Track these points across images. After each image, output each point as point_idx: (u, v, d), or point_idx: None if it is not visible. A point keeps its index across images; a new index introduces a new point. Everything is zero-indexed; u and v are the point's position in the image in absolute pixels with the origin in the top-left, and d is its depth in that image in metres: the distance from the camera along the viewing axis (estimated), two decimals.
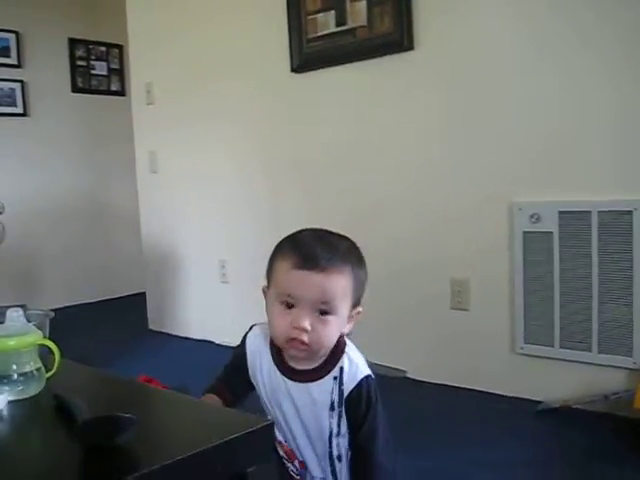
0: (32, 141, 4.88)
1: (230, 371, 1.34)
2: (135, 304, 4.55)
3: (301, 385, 1.21)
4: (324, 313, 1.13)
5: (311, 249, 1.13)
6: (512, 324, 2.60)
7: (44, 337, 1.16)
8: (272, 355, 1.24)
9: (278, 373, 1.23)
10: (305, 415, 1.22)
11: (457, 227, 2.74)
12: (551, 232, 2.45)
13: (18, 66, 4.80)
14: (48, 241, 4.91)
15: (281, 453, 1.30)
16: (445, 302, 2.78)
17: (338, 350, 1.21)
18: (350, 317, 1.20)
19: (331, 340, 1.17)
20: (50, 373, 1.12)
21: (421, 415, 2.46)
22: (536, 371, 2.56)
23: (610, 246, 2.33)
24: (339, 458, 1.23)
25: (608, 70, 2.32)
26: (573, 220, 2.40)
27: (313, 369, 1.21)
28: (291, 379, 1.22)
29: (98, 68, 5.31)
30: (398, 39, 2.78)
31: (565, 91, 2.42)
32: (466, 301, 2.73)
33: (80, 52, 5.20)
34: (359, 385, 1.19)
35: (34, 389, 1.08)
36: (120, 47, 5.31)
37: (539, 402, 2.48)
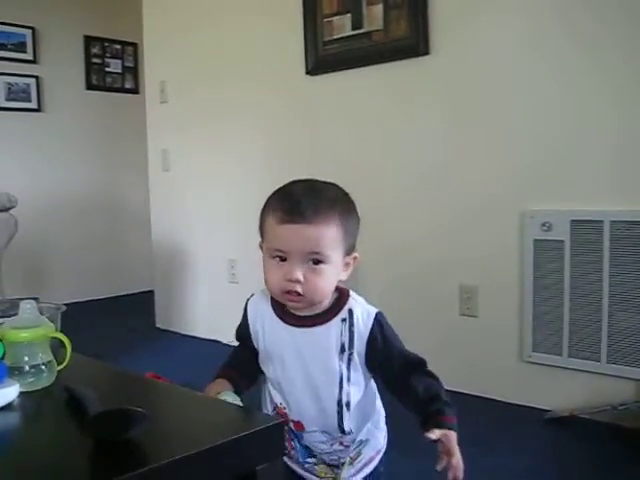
0: (46, 136, 4.91)
1: (236, 353, 1.32)
2: (143, 302, 4.56)
3: (307, 330, 1.18)
4: (317, 262, 1.13)
5: (295, 202, 1.12)
6: (521, 332, 2.59)
7: (56, 330, 1.16)
8: (274, 309, 1.22)
9: (281, 323, 1.20)
10: (312, 364, 1.19)
11: (468, 233, 2.73)
12: (562, 241, 2.44)
13: (33, 62, 4.84)
14: (59, 236, 4.93)
15: None
16: (454, 308, 2.77)
17: (343, 295, 1.20)
18: (346, 264, 1.19)
19: (327, 289, 1.16)
20: (61, 366, 1.12)
21: None
22: (544, 380, 2.55)
23: (621, 256, 2.32)
24: (347, 405, 1.19)
25: (625, 83, 2.32)
26: (585, 229, 2.39)
27: (318, 314, 1.19)
28: (296, 326, 1.19)
29: (112, 66, 5.34)
30: (414, 44, 2.78)
31: (580, 100, 2.42)
32: (475, 307, 2.73)
33: (95, 49, 5.24)
34: (377, 320, 1.18)
35: (45, 381, 1.08)
36: (135, 45, 5.34)
37: (546, 411, 2.47)
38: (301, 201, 1.12)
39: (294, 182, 1.21)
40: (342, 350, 1.17)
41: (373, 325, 1.18)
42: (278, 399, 1.24)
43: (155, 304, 4.25)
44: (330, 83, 3.16)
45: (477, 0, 2.66)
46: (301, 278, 1.12)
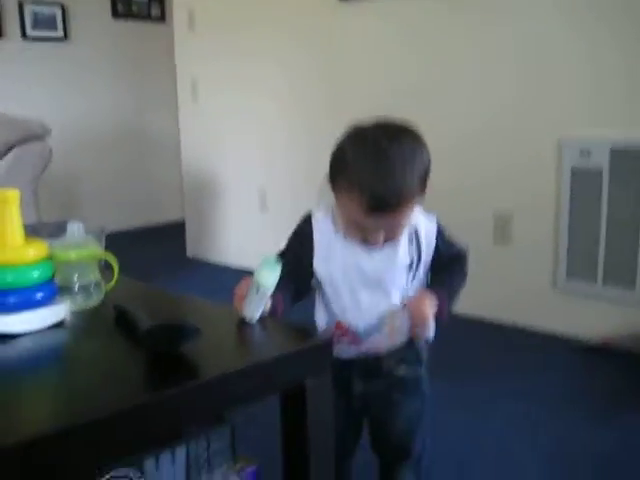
0: (73, 66, 4.86)
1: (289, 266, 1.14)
2: (174, 232, 4.60)
3: (375, 250, 1.17)
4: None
5: (377, 192, 1.07)
6: (555, 260, 2.57)
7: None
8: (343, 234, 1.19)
9: (348, 243, 1.18)
10: (378, 280, 1.19)
11: (503, 158, 2.68)
12: (601, 170, 2.39)
13: None
14: (88, 166, 4.94)
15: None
16: (488, 235, 2.75)
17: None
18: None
19: (404, 230, 1.19)
20: (109, 286, 1.14)
21: (456, 346, 2.47)
22: (577, 308, 2.55)
23: None
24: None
25: None
26: (624, 158, 2.33)
27: None
28: (364, 245, 1.18)
29: None
30: None
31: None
32: (509, 235, 2.71)
33: None
34: (439, 232, 1.25)
35: (94, 301, 1.10)
36: None
37: (579, 340, 2.47)
38: (382, 193, 1.07)
39: (363, 145, 1.11)
40: (410, 266, 1.21)
41: (437, 239, 1.24)
42: (337, 315, 1.22)
43: (186, 234, 4.29)
44: (366, 11, 3.04)
45: None
46: (382, 240, 1.15)
